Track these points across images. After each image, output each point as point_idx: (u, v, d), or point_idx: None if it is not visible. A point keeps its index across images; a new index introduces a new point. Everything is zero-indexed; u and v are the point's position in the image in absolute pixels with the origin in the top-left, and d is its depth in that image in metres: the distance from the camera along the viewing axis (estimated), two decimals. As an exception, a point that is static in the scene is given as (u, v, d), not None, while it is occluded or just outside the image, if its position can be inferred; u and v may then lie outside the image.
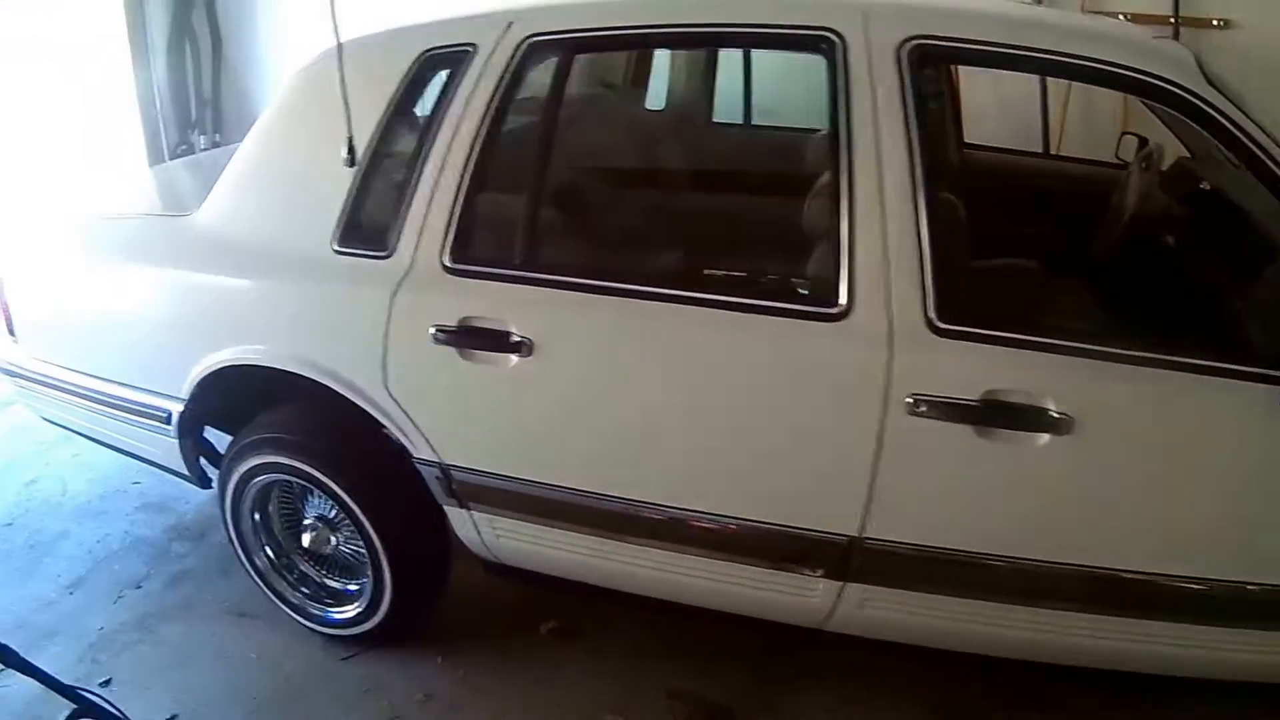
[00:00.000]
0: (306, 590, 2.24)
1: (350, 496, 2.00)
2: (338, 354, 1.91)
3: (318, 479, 2.03)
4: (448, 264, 1.79)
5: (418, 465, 1.91)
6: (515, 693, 2.12)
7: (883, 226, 1.56)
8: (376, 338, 1.84)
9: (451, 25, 1.92)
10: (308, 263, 1.92)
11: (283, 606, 2.27)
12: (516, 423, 1.82)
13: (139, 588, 2.57)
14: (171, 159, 4.19)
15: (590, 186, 2.11)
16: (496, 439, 1.85)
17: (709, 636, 2.18)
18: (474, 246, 1.79)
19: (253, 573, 2.27)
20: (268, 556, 2.25)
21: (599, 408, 1.75)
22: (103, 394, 2.30)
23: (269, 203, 2.03)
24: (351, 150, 1.79)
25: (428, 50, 1.88)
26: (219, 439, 2.36)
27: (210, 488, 2.38)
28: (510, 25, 1.82)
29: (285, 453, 2.04)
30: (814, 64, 3.09)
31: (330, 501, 2.11)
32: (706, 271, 1.79)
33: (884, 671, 2.10)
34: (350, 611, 2.17)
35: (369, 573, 2.09)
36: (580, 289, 1.72)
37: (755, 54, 2.83)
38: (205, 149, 4.31)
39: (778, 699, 2.09)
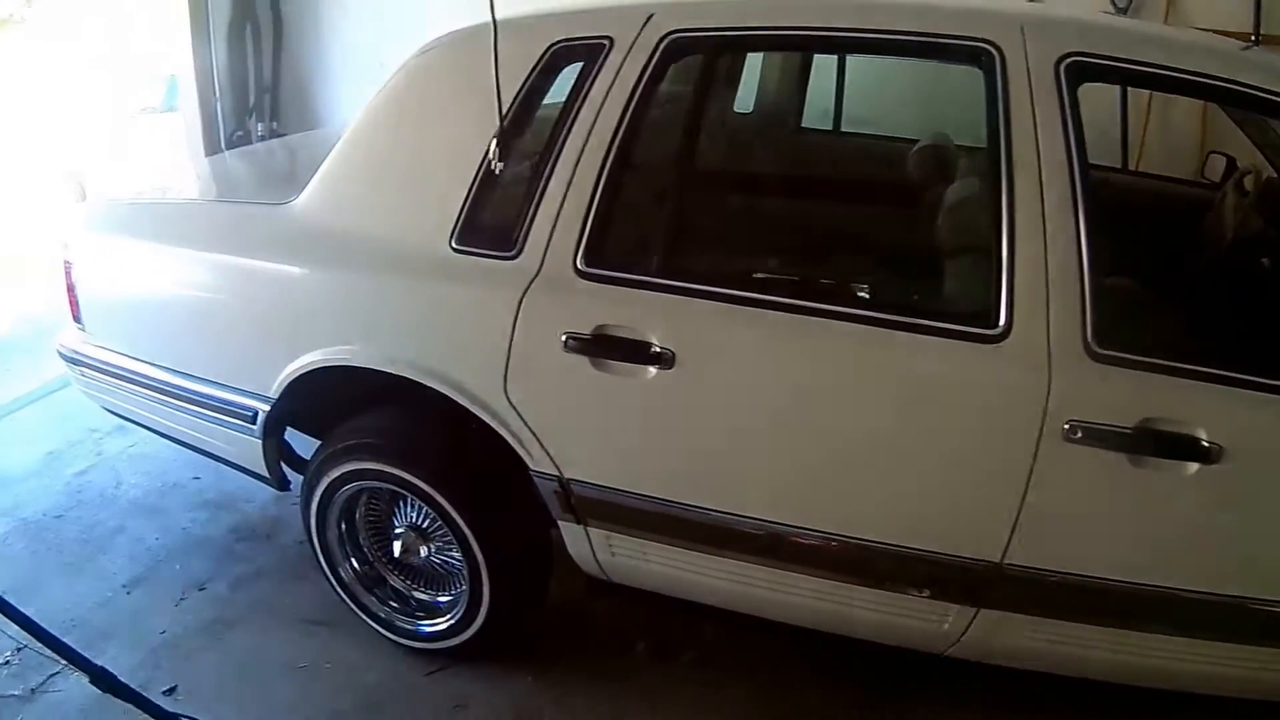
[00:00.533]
0: (395, 604, 2.12)
1: (454, 507, 1.88)
2: (454, 359, 1.80)
3: (419, 488, 1.91)
4: (581, 267, 1.68)
5: (535, 478, 1.80)
6: (612, 714, 2.01)
7: (1044, 247, 1.48)
8: (500, 343, 1.72)
9: (585, 16, 1.80)
10: (422, 260, 1.80)
11: (366, 619, 2.14)
12: (650, 437, 1.71)
13: (203, 589, 2.43)
14: (228, 146, 4.04)
15: (732, 192, 2.00)
16: (626, 454, 1.74)
17: (805, 653, 2.08)
18: (611, 250, 1.68)
19: (336, 585, 2.15)
20: (353, 568, 2.13)
21: (742, 425, 1.65)
22: (178, 388, 2.17)
23: (379, 194, 1.90)
24: (502, 145, 1.66)
25: (558, 41, 1.76)
26: (294, 440, 2.24)
27: (287, 490, 2.25)
28: (649, 19, 1.70)
29: (385, 459, 1.92)
30: (914, 71, 3.01)
31: (423, 510, 1.99)
32: (855, 287, 1.69)
33: (981, 692, 1.99)
34: (442, 625, 2.05)
35: (465, 585, 1.97)
36: (727, 300, 1.62)
37: (850, 59, 2.71)
38: (262, 136, 4.17)
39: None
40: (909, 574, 1.63)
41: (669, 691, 2.06)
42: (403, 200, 1.87)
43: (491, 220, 1.76)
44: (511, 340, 1.71)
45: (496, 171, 1.70)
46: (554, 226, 1.69)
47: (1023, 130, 1.50)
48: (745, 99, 2.67)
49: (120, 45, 4.45)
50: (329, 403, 2.05)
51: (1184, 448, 1.45)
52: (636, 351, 1.63)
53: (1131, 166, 3.25)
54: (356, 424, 1.99)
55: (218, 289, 2.08)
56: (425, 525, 2.03)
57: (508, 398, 1.74)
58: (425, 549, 2.04)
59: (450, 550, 2.01)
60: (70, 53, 4.63)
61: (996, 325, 1.49)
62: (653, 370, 1.62)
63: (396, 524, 2.07)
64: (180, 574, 2.48)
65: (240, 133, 4.11)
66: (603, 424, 1.73)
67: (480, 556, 1.90)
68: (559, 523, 1.84)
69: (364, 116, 1.95)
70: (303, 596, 2.35)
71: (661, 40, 1.68)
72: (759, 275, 1.70)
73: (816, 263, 1.89)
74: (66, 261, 2.30)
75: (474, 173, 1.75)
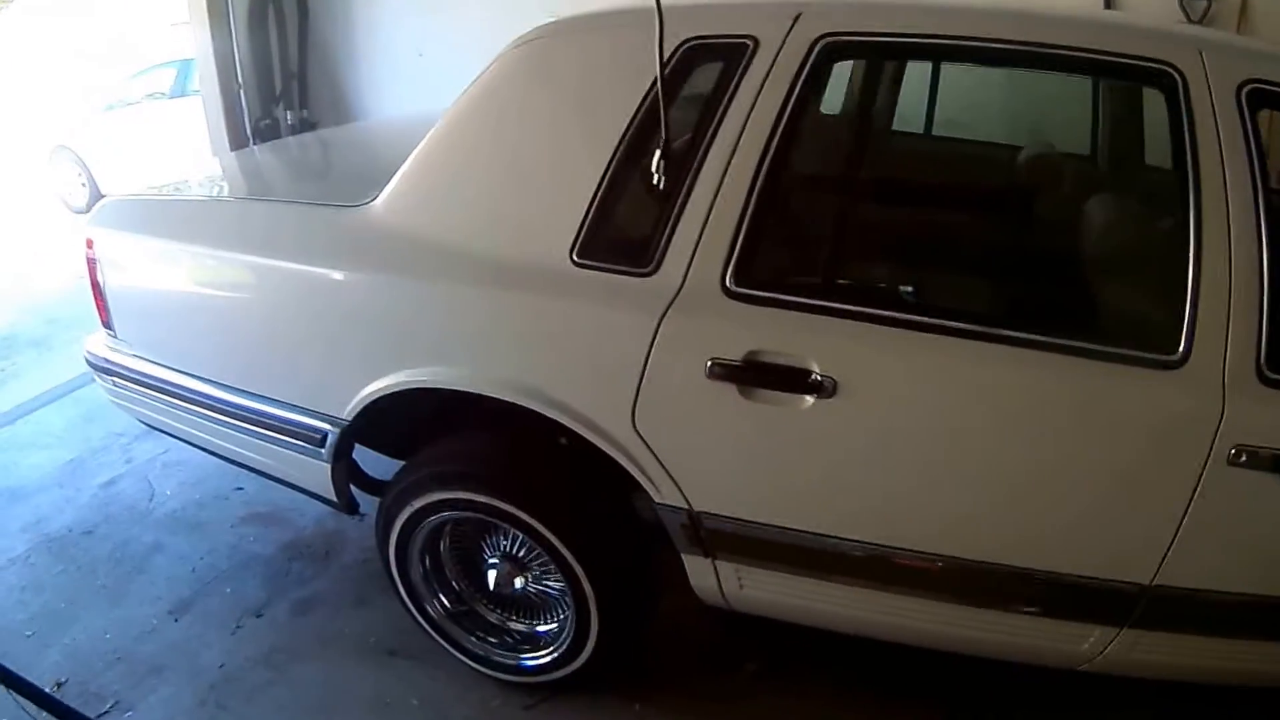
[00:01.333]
0: (492, 639, 1.95)
1: (562, 541, 1.71)
2: (574, 385, 1.62)
3: (520, 519, 1.73)
4: (730, 287, 1.51)
5: (659, 511, 1.64)
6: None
7: (1230, 272, 1.39)
8: (631, 369, 1.55)
9: (720, 13, 1.62)
10: (536, 275, 1.61)
11: (459, 655, 1.97)
12: (802, 469, 1.56)
13: (259, 616, 2.23)
14: (254, 135, 3.78)
15: (884, 205, 1.83)
16: (772, 486, 1.58)
17: (910, 667, 1.96)
18: (764, 268, 1.51)
19: (423, 621, 1.97)
20: (443, 605, 1.96)
21: (903, 454, 1.51)
22: (233, 407, 1.97)
23: (478, 201, 1.71)
24: (665, 160, 1.50)
25: (691, 39, 1.58)
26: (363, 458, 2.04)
27: (356, 514, 2.05)
28: (798, 19, 1.53)
29: (482, 489, 1.73)
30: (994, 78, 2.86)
31: (519, 540, 1.83)
32: (1025, 309, 1.56)
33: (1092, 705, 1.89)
34: (546, 657, 1.89)
35: (571, 614, 1.81)
36: (893, 324, 1.47)
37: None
38: (292, 125, 3.93)
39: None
40: (1059, 600, 1.54)
41: (783, 714, 1.91)
42: (509, 208, 1.67)
43: (620, 233, 1.59)
44: (645, 366, 1.54)
45: (660, 186, 1.52)
46: (698, 242, 1.52)
47: (1209, 155, 1.41)
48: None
49: (123, 27, 4.15)
50: (406, 423, 1.87)
51: None
52: (794, 379, 1.47)
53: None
54: (445, 450, 1.82)
55: (281, 300, 1.87)
56: (520, 554, 1.86)
57: (635, 428, 1.58)
58: (521, 579, 1.88)
59: (549, 579, 1.86)
60: (68, 34, 4.32)
61: (1176, 351, 1.40)
62: (810, 399, 1.47)
63: (487, 554, 1.90)
64: (232, 598, 2.29)
65: (268, 121, 3.86)
66: (747, 456, 1.57)
67: (589, 588, 1.74)
68: (683, 556, 1.68)
69: (457, 112, 1.74)
70: (373, 622, 2.17)
71: (815, 43, 1.51)
72: (923, 297, 1.56)
73: (979, 283, 1.75)
74: (91, 260, 2.07)
75: (597, 179, 1.57)
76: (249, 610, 2.24)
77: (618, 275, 1.57)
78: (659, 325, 1.52)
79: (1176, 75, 1.43)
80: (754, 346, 1.48)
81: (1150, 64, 1.46)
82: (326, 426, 1.85)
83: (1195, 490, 1.42)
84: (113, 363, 2.15)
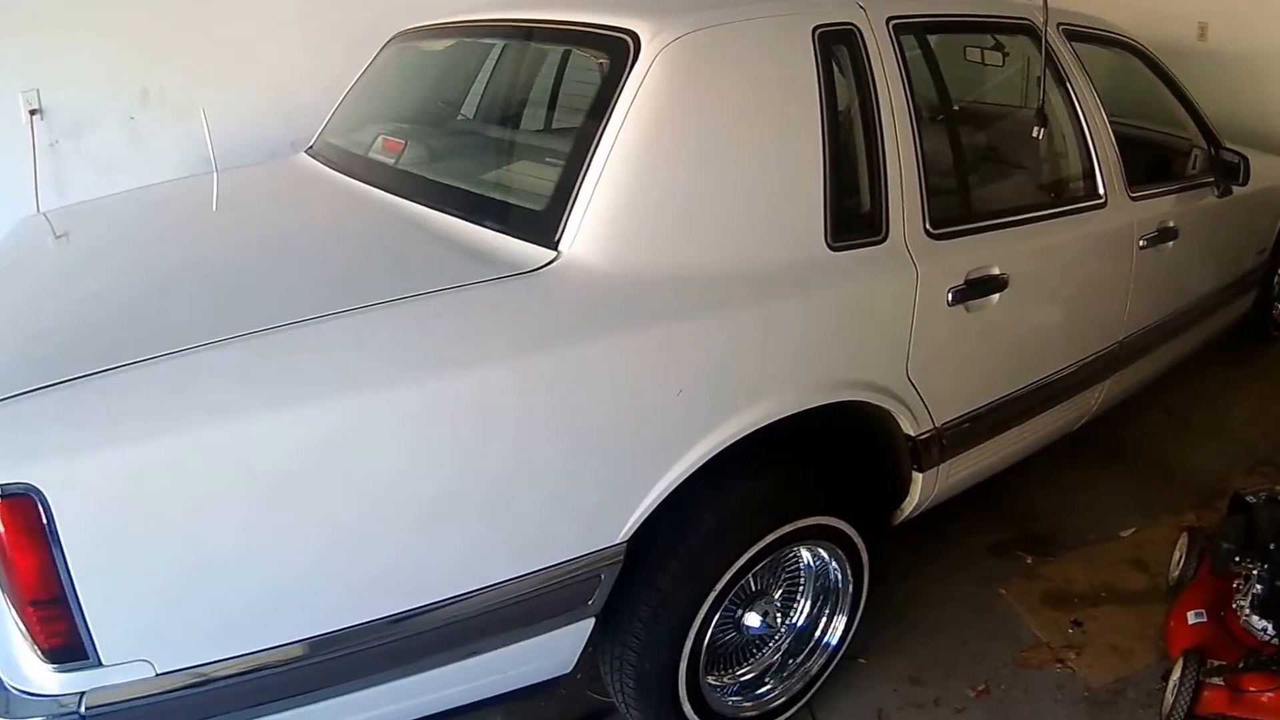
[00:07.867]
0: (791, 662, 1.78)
1: (855, 527, 1.70)
2: (874, 360, 1.64)
3: (829, 530, 1.65)
4: (931, 231, 1.71)
5: (917, 442, 1.76)
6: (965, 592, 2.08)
7: (1109, 142, 2.16)
8: (904, 322, 1.66)
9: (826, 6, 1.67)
10: (810, 270, 1.54)
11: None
12: (997, 351, 1.89)
13: None
14: None
15: (980, 148, 2.13)
16: (980, 375, 1.87)
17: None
18: (943, 209, 1.74)
19: None
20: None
21: (1051, 302, 2.01)
22: (429, 635, 1.27)
23: (715, 214, 1.47)
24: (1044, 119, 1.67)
25: (818, 26, 1.61)
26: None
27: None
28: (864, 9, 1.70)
29: (815, 512, 1.60)
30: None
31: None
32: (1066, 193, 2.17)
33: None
34: (841, 626, 1.81)
35: (845, 584, 1.78)
36: (1017, 224, 1.89)
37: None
38: None
39: (1051, 513, 2.44)
40: (1109, 364, 2.21)
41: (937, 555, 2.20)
42: (750, 214, 1.50)
43: (853, 209, 1.62)
44: (914, 316, 1.66)
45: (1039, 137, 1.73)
46: (903, 201, 1.67)
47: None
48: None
49: None
50: None
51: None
52: (991, 284, 1.79)
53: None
54: (755, 497, 1.55)
55: (496, 424, 1.25)
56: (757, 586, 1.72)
57: (908, 376, 1.69)
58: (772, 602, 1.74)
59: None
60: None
61: (1101, 197, 2.11)
62: (997, 296, 1.81)
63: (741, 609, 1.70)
64: None
65: None
66: (967, 359, 1.82)
67: (864, 553, 1.76)
68: (918, 476, 1.81)
69: (634, 134, 1.40)
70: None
71: (888, 23, 1.71)
72: (1021, 198, 2.05)
73: (1035, 183, 2.22)
74: (42, 542, 1.01)
75: (820, 162, 1.55)
76: None
77: (866, 248, 1.62)
78: (918, 278, 1.65)
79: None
80: (969, 268, 1.75)
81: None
82: (600, 568, 1.38)
83: (1132, 268, 2.18)
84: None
